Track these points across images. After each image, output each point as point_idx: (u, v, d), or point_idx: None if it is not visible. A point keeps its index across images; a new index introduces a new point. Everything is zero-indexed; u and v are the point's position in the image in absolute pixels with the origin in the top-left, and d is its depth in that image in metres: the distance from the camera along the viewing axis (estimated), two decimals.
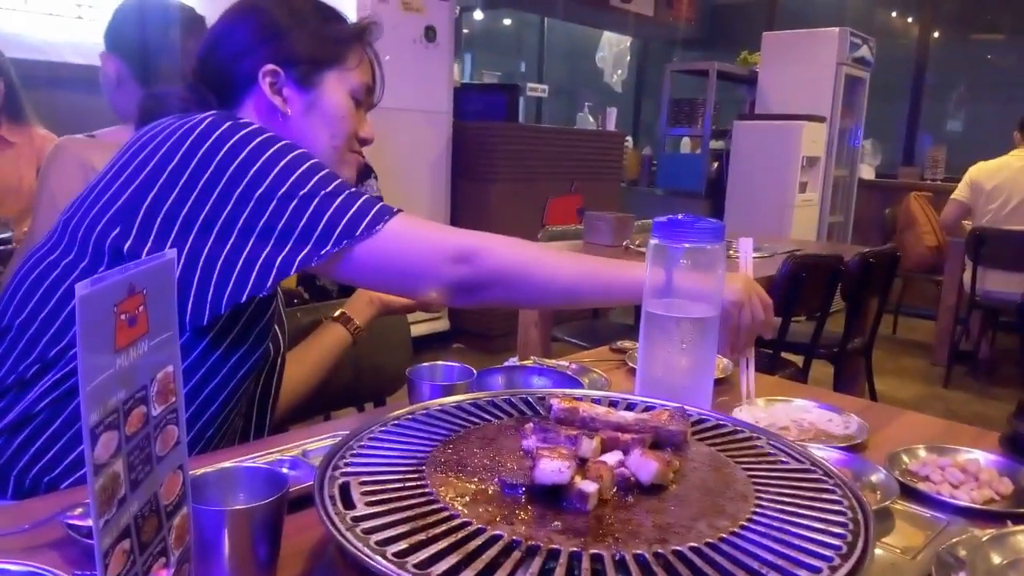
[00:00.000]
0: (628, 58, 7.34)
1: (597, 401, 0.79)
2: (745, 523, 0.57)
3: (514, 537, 0.53)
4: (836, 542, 0.55)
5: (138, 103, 1.09)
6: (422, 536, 0.53)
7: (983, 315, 4.33)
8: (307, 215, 0.88)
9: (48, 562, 0.60)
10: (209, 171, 0.87)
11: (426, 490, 0.60)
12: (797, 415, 1.05)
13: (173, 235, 0.87)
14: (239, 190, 0.87)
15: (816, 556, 0.53)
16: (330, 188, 0.90)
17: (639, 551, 0.52)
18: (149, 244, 0.87)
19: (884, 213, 5.30)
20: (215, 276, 0.87)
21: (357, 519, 0.55)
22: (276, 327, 1.16)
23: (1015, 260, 3.92)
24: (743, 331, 1.03)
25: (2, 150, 2.30)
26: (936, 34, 6.59)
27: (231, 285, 0.88)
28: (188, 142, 0.89)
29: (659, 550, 0.52)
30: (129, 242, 0.87)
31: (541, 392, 0.85)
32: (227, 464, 0.68)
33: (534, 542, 0.53)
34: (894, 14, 7.31)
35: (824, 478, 0.65)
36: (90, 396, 0.41)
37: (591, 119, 5.89)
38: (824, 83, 5.33)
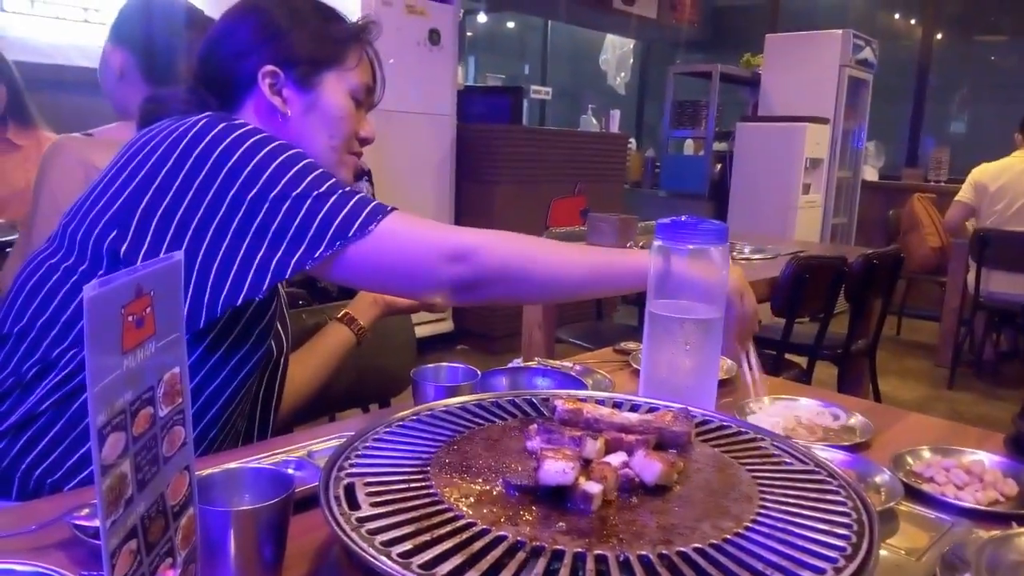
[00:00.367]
0: (631, 60, 7.35)
1: (601, 402, 0.80)
2: (749, 524, 0.57)
3: (518, 538, 0.53)
4: (840, 543, 0.55)
5: (139, 104, 1.09)
6: (427, 537, 0.53)
7: (987, 316, 4.32)
8: (300, 217, 0.88)
9: (55, 563, 0.61)
10: (203, 173, 0.87)
11: (431, 491, 0.60)
12: (802, 415, 1.05)
13: (169, 238, 0.87)
14: (232, 192, 0.87)
15: (820, 557, 0.53)
16: (323, 188, 0.90)
17: (643, 552, 0.52)
18: (145, 247, 0.87)
19: (888, 215, 5.30)
20: (211, 279, 0.87)
21: (362, 520, 0.55)
22: (279, 327, 1.16)
23: (1019, 261, 3.91)
24: (746, 319, 1.03)
25: (9, 153, 2.31)
26: (939, 36, 6.58)
27: (227, 288, 0.88)
28: (182, 144, 0.89)
29: (663, 551, 0.52)
30: (126, 245, 0.88)
31: (545, 393, 0.85)
32: (233, 465, 0.68)
33: (538, 543, 0.53)
34: (897, 16, 7.30)
35: (828, 479, 0.66)
36: (98, 397, 0.41)
37: (594, 121, 5.90)
38: (827, 85, 5.33)
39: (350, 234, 0.89)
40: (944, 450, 0.93)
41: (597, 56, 7.28)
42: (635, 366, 1.27)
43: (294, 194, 0.88)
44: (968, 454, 0.92)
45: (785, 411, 1.06)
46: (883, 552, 0.69)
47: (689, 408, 0.77)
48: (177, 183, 0.87)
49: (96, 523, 0.63)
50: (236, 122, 0.92)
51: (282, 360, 1.19)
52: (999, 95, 6.65)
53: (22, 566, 0.59)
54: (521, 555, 0.52)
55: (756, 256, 2.76)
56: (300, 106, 1.02)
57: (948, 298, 4.49)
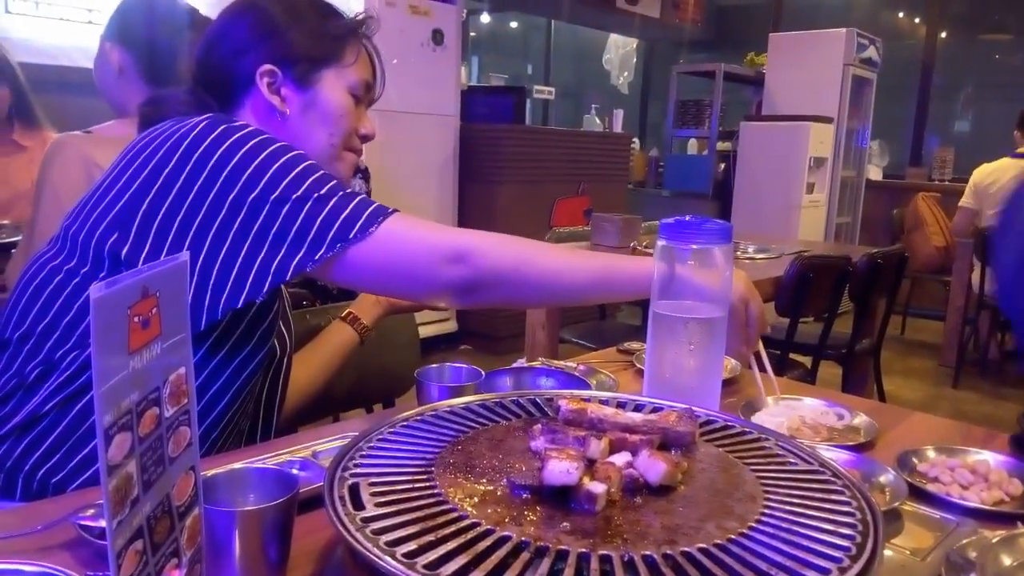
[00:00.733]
0: (634, 60, 7.34)
1: (605, 402, 0.80)
2: (754, 524, 0.57)
3: (523, 538, 0.53)
4: (845, 543, 0.55)
5: (138, 105, 1.09)
6: (431, 537, 0.53)
7: (992, 315, 4.31)
8: (300, 219, 0.88)
9: (61, 563, 0.61)
10: (203, 176, 0.87)
11: (435, 491, 0.60)
12: (806, 415, 1.05)
13: (169, 240, 0.87)
14: (233, 194, 0.87)
15: (825, 557, 0.53)
16: (324, 191, 0.90)
17: (648, 552, 0.52)
18: (147, 249, 0.87)
19: (892, 214, 5.29)
20: (211, 282, 0.87)
21: (367, 520, 0.55)
22: (282, 327, 1.16)
23: None
24: (752, 325, 1.03)
25: (15, 154, 2.31)
26: (943, 34, 6.57)
27: (227, 291, 0.88)
28: (183, 146, 0.89)
29: (668, 551, 0.52)
30: (127, 247, 0.88)
31: (549, 393, 0.85)
32: (238, 465, 0.69)
33: (543, 543, 0.53)
34: (901, 14, 7.29)
35: (833, 479, 0.65)
36: (104, 397, 0.41)
37: (598, 121, 5.89)
38: (831, 84, 5.32)
39: (351, 236, 0.88)
40: (949, 450, 0.93)
41: (600, 56, 7.27)
42: (639, 366, 1.27)
43: (294, 196, 0.88)
44: (973, 454, 0.92)
45: (789, 411, 1.06)
46: (888, 552, 0.69)
47: (693, 408, 0.77)
48: (178, 185, 0.87)
49: (102, 523, 0.64)
50: (237, 124, 0.92)
51: (285, 360, 1.19)
52: (1004, 94, 6.63)
53: (28, 566, 0.59)
54: (525, 555, 0.52)
55: (760, 256, 2.76)
56: (299, 105, 1.02)
57: (952, 297, 4.48)
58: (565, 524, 0.56)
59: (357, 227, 0.89)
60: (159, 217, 0.87)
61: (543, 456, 0.61)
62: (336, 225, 0.88)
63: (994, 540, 0.67)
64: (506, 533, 0.54)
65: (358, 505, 0.58)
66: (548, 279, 0.98)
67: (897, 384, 4.04)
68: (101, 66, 1.61)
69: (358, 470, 0.63)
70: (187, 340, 0.50)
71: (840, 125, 5.37)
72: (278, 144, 0.91)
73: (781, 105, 5.54)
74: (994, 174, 4.09)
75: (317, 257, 0.88)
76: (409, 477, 0.62)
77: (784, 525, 0.57)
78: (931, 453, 0.92)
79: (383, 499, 0.58)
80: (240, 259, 0.87)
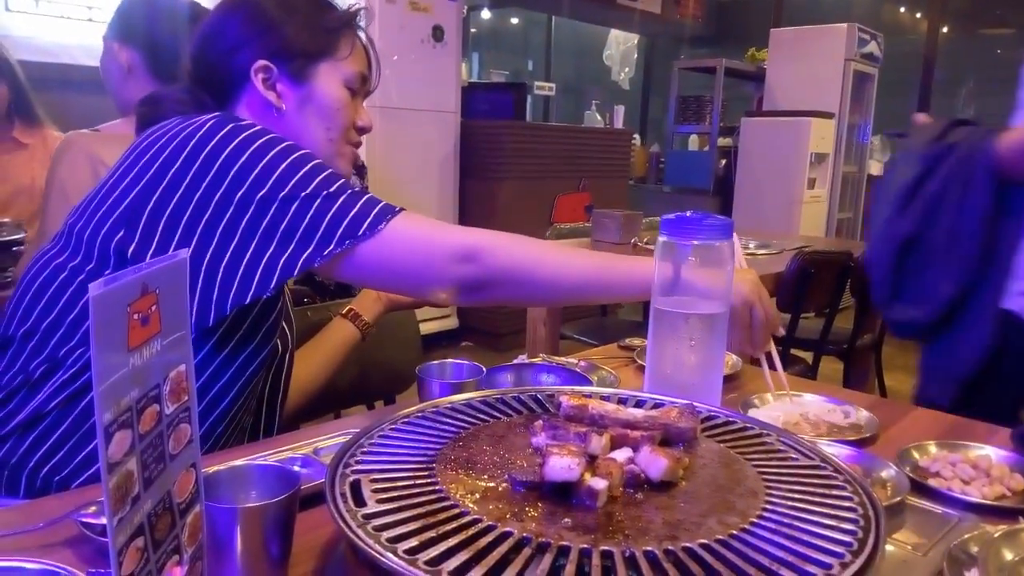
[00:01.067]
0: (635, 56, 7.33)
1: (606, 398, 0.79)
2: (755, 519, 0.57)
3: (524, 534, 0.53)
4: (847, 538, 0.55)
5: (134, 105, 1.09)
6: (433, 533, 0.53)
7: None
8: (309, 216, 0.89)
9: (62, 560, 0.61)
10: (211, 174, 0.88)
11: (436, 487, 0.60)
12: (808, 410, 1.05)
13: (177, 238, 0.87)
14: (241, 193, 0.87)
15: (827, 552, 0.53)
16: (333, 188, 0.91)
17: (649, 548, 0.52)
18: (153, 247, 0.88)
19: None
20: (219, 278, 0.88)
21: (368, 516, 0.55)
22: (284, 325, 1.16)
23: None
24: (758, 329, 1.03)
25: (15, 151, 2.32)
26: (944, 29, 6.55)
27: (235, 287, 0.88)
28: (191, 145, 0.89)
29: (669, 547, 0.52)
30: (133, 245, 0.88)
31: (550, 389, 0.85)
32: (239, 462, 0.69)
33: (544, 539, 0.53)
34: (902, 9, 7.27)
35: (834, 474, 0.65)
36: (104, 395, 0.41)
37: (599, 117, 5.89)
38: (832, 79, 5.31)
39: (360, 233, 0.89)
40: (950, 445, 0.93)
41: (601, 52, 7.26)
42: (640, 362, 1.27)
43: (303, 194, 0.89)
44: (975, 449, 0.92)
45: (791, 406, 1.06)
46: (889, 547, 0.69)
47: (695, 404, 0.77)
48: (185, 183, 0.88)
49: (103, 520, 0.64)
50: (245, 123, 0.92)
51: (287, 357, 1.19)
52: (1005, 89, 6.59)
53: (30, 564, 0.60)
54: (527, 551, 0.52)
55: (761, 251, 2.76)
56: (295, 100, 1.02)
57: None
58: (566, 520, 0.56)
59: (366, 224, 0.90)
60: (166, 215, 0.88)
61: (544, 452, 0.61)
62: (345, 222, 0.89)
63: (996, 535, 0.67)
64: (508, 529, 0.54)
65: (360, 501, 0.58)
66: (555, 279, 0.99)
67: (898, 379, 4.04)
68: (109, 66, 1.60)
69: (359, 467, 0.63)
70: (187, 337, 0.50)
71: (841, 120, 5.37)
72: (286, 143, 0.92)
73: (782, 101, 5.53)
74: None
75: (326, 253, 0.88)
76: (410, 473, 0.62)
77: (786, 520, 0.57)
78: (932, 448, 0.92)
79: (385, 495, 0.58)
80: (248, 256, 0.88)
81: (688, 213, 0.92)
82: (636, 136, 6.49)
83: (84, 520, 0.67)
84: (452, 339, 4.49)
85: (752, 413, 1.03)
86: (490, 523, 0.54)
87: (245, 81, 1.01)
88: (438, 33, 4.14)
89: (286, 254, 0.88)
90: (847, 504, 0.60)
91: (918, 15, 6.94)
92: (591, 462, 0.62)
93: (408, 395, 1.64)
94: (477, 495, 0.59)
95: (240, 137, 0.89)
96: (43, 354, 0.91)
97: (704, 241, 0.90)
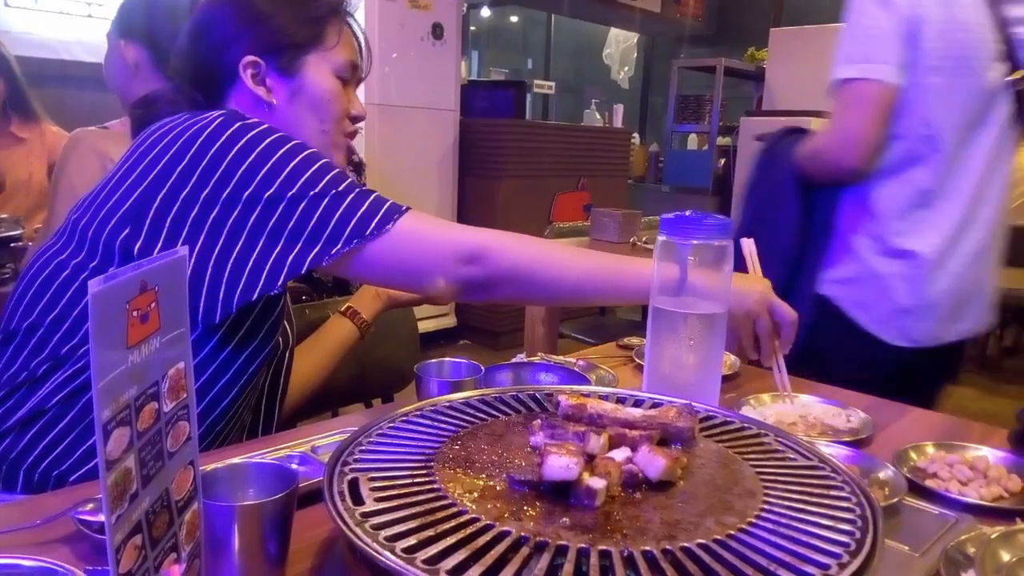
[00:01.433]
0: (635, 55, 7.33)
1: (605, 397, 0.80)
2: (753, 519, 0.57)
3: (522, 533, 0.53)
4: (845, 539, 0.55)
5: (128, 107, 1.09)
6: (431, 532, 0.53)
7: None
8: (317, 215, 0.89)
9: (59, 557, 0.61)
10: (219, 173, 0.88)
11: (435, 486, 0.60)
12: (803, 411, 1.05)
13: (183, 236, 0.87)
14: (249, 191, 0.88)
15: (825, 553, 0.53)
16: (341, 188, 0.91)
17: (647, 547, 0.52)
18: (160, 245, 0.88)
19: None
20: (226, 275, 0.88)
21: (366, 515, 0.55)
22: (285, 322, 1.16)
23: (1022, 256, 3.89)
24: (764, 339, 1.03)
25: (13, 146, 2.32)
26: None
27: (242, 284, 0.88)
28: (198, 142, 0.89)
29: (667, 546, 0.52)
30: (139, 243, 0.88)
31: (549, 388, 0.85)
32: (237, 460, 0.68)
33: (542, 538, 0.53)
34: None
35: (832, 475, 0.65)
36: (102, 392, 0.41)
37: (598, 116, 5.89)
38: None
39: (368, 232, 0.90)
40: (948, 446, 0.93)
41: (600, 50, 7.26)
42: (638, 361, 1.27)
43: (311, 193, 0.89)
44: (972, 450, 0.92)
45: (788, 406, 1.06)
46: (887, 547, 0.69)
47: (693, 403, 0.77)
48: (192, 181, 0.88)
49: (101, 518, 0.64)
50: (251, 121, 0.92)
51: (288, 354, 1.19)
52: None
53: (27, 561, 0.59)
54: (525, 550, 0.52)
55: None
56: (285, 93, 1.02)
57: None
58: (564, 519, 0.56)
59: (374, 224, 0.90)
60: (172, 212, 0.88)
61: (543, 451, 0.61)
62: (353, 221, 0.90)
63: (993, 536, 0.67)
64: (506, 528, 0.54)
65: (357, 500, 0.58)
66: (559, 280, 1.00)
67: None
68: (115, 64, 1.60)
69: (357, 465, 0.63)
70: (186, 335, 0.50)
71: None
72: (293, 142, 0.92)
73: (782, 100, 5.53)
74: None
75: (334, 252, 0.89)
76: (408, 472, 0.62)
77: (784, 521, 0.57)
78: (930, 449, 0.93)
79: (382, 494, 0.58)
80: (256, 254, 0.88)
81: (687, 212, 0.92)
82: (635, 135, 6.49)
83: (82, 517, 0.67)
84: (450, 338, 4.49)
85: (750, 413, 1.03)
86: (488, 522, 0.54)
87: (234, 77, 1.01)
88: (438, 31, 4.14)
89: (294, 252, 0.88)
90: (845, 505, 0.60)
91: None
92: (589, 461, 0.62)
93: (406, 393, 1.65)
94: (475, 494, 0.59)
95: (248, 136, 0.89)
96: (46, 351, 0.91)
97: (703, 241, 0.90)
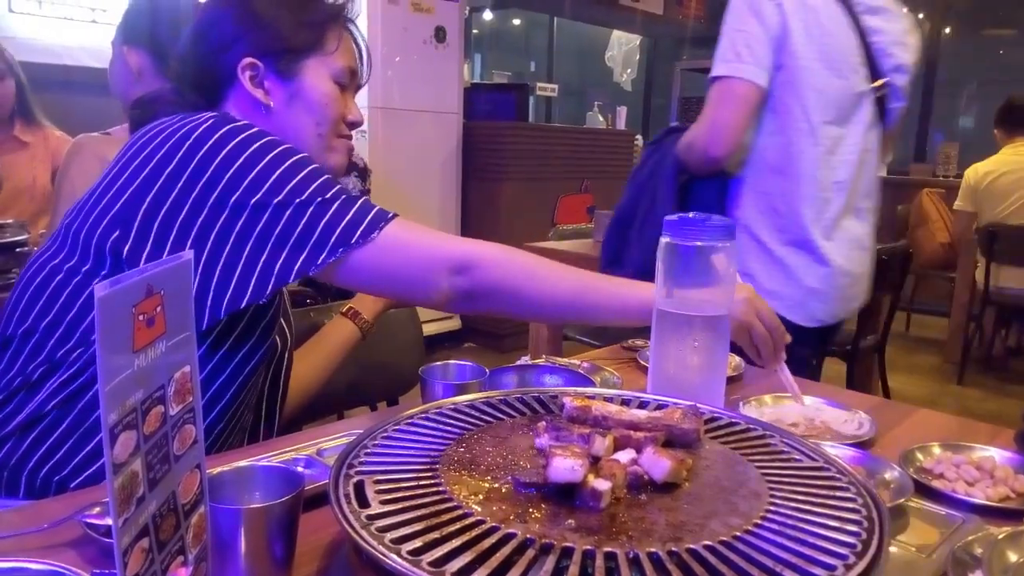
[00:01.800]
0: (638, 57, 7.32)
1: (609, 399, 0.80)
2: (759, 521, 0.57)
3: (528, 535, 0.53)
4: (851, 540, 0.55)
5: (126, 108, 1.09)
6: (436, 534, 0.53)
7: (997, 311, 4.29)
8: (303, 223, 0.88)
9: (67, 561, 0.61)
10: (206, 176, 0.87)
11: (440, 488, 0.60)
12: (805, 412, 1.05)
13: (171, 239, 0.87)
14: (236, 197, 0.87)
15: (831, 554, 0.53)
16: (328, 195, 0.90)
17: (653, 549, 0.52)
18: (148, 248, 0.87)
19: (896, 210, 5.27)
20: (214, 282, 0.88)
21: (372, 517, 0.55)
22: (283, 322, 1.16)
23: None
24: (762, 346, 1.03)
25: (17, 150, 2.33)
26: (947, 30, 6.54)
27: (230, 292, 0.88)
28: (186, 145, 0.88)
29: (673, 548, 0.52)
30: (128, 245, 0.88)
31: (553, 391, 0.85)
32: (243, 463, 0.69)
33: (547, 540, 0.53)
34: (904, 10, 7.25)
35: (838, 476, 0.65)
36: (109, 396, 0.41)
37: (601, 118, 5.88)
38: None
39: (353, 240, 0.89)
40: (954, 446, 0.93)
41: (603, 52, 7.26)
42: (643, 363, 1.27)
43: (297, 201, 0.88)
44: (978, 450, 0.92)
45: (794, 408, 1.06)
46: (893, 549, 0.69)
47: (698, 405, 0.77)
48: (180, 185, 0.87)
49: (108, 521, 0.64)
50: (241, 124, 0.92)
51: (286, 354, 1.19)
52: (1008, 89, 6.58)
53: (35, 564, 0.60)
54: (530, 552, 0.52)
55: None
56: (283, 96, 1.02)
57: (957, 293, 4.47)
58: (570, 521, 0.56)
59: (360, 232, 0.90)
60: (160, 216, 0.87)
61: (548, 453, 0.61)
62: (339, 230, 0.89)
63: (1000, 536, 0.66)
64: (511, 530, 0.54)
65: (363, 502, 0.58)
66: (544, 297, 0.99)
67: (902, 381, 4.04)
68: (119, 69, 1.61)
69: (363, 468, 0.63)
70: (192, 338, 0.50)
71: None
72: (283, 146, 0.92)
73: None
74: (991, 170, 4.06)
75: (320, 261, 0.88)
76: (414, 474, 0.62)
77: (789, 522, 0.57)
78: (936, 449, 0.92)
79: (388, 496, 0.58)
80: (243, 261, 0.88)
81: (691, 214, 0.92)
82: (638, 137, 6.48)
83: (89, 521, 0.67)
84: (455, 340, 4.49)
85: (754, 415, 1.02)
86: (494, 524, 0.55)
87: (233, 79, 1.01)
88: (440, 34, 4.14)
89: (280, 261, 0.88)
90: (851, 506, 0.60)
91: (920, 16, 6.93)
92: (594, 463, 0.62)
93: (411, 396, 1.65)
94: (480, 496, 0.59)
95: (237, 139, 0.89)
96: (41, 355, 0.91)
97: (707, 242, 0.90)
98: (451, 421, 0.74)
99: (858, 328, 2.72)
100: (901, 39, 1.66)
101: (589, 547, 0.52)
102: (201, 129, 0.90)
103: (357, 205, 0.92)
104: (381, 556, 0.50)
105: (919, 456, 0.90)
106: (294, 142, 0.99)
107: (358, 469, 0.63)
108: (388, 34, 3.85)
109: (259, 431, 1.17)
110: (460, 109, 4.37)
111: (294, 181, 0.89)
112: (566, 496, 0.59)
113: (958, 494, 0.81)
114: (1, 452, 0.92)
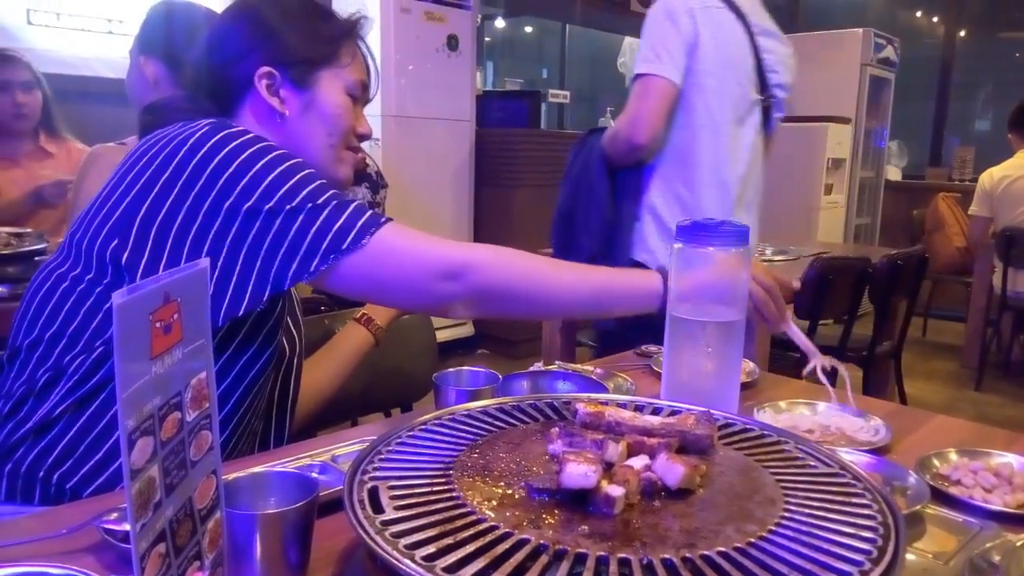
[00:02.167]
0: None
1: (623, 405, 0.79)
2: (774, 527, 0.57)
3: (541, 541, 0.53)
4: (866, 547, 0.54)
5: (138, 113, 1.10)
6: (450, 540, 0.53)
7: (1014, 317, 4.25)
8: (294, 230, 0.88)
9: (85, 566, 0.62)
10: (200, 183, 0.88)
11: (454, 494, 0.60)
12: (820, 419, 1.04)
13: (168, 248, 0.87)
14: (229, 203, 0.87)
15: (846, 561, 0.53)
16: (320, 200, 0.90)
17: (667, 556, 0.52)
18: (146, 256, 0.88)
19: (912, 214, 5.24)
20: (211, 289, 0.88)
21: (386, 523, 0.55)
22: (292, 326, 1.16)
23: None
24: (763, 306, 1.02)
25: (43, 160, 2.37)
26: (962, 33, 6.50)
27: (227, 300, 0.88)
28: (182, 152, 0.89)
29: (687, 555, 0.52)
30: (127, 254, 0.88)
31: (566, 397, 0.85)
32: (258, 469, 0.69)
33: (561, 546, 0.53)
34: (919, 13, 7.23)
35: (853, 482, 0.65)
36: (127, 402, 0.42)
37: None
38: (848, 84, 5.28)
39: (344, 247, 0.88)
40: (971, 452, 0.92)
41: (615, 59, 7.26)
42: (656, 369, 1.27)
43: (288, 207, 0.88)
44: (996, 456, 0.91)
45: (809, 414, 1.06)
46: (910, 556, 0.69)
47: (712, 411, 0.77)
48: (176, 191, 0.88)
49: (125, 527, 0.64)
50: (236, 130, 0.92)
51: (296, 359, 1.19)
52: None
53: (54, 569, 0.60)
54: (544, 558, 0.52)
55: (779, 257, 2.74)
56: (298, 105, 1.03)
57: (974, 298, 4.42)
58: (583, 527, 0.56)
59: (350, 238, 0.89)
60: (157, 223, 0.88)
61: (561, 459, 0.61)
62: (330, 236, 0.89)
63: (1018, 544, 0.66)
64: (525, 536, 0.54)
65: (377, 508, 0.58)
66: (544, 297, 0.98)
67: (918, 387, 4.00)
68: (135, 80, 1.63)
69: (377, 473, 0.63)
70: (208, 345, 0.51)
71: (858, 126, 5.33)
72: (276, 152, 0.91)
73: (798, 106, 5.48)
74: (1006, 174, 4.03)
75: (312, 268, 0.88)
76: (428, 480, 0.63)
77: (804, 529, 0.57)
78: (953, 456, 0.91)
79: (402, 502, 0.59)
80: (238, 268, 0.88)
81: (704, 220, 0.92)
82: None
83: (106, 526, 0.67)
84: (468, 347, 4.50)
85: (769, 421, 1.02)
86: (507, 530, 0.55)
87: (249, 87, 1.02)
88: (453, 42, 4.16)
89: (274, 268, 0.88)
90: (866, 512, 0.59)
91: (935, 19, 6.89)
92: (608, 469, 0.62)
93: (424, 402, 1.65)
94: (494, 502, 0.59)
95: (230, 146, 0.89)
96: (48, 362, 0.92)
97: (720, 248, 0.90)
98: (464, 427, 0.74)
99: (874, 334, 2.70)
100: (785, 61, 1.91)
101: (603, 553, 0.52)
102: (196, 136, 0.90)
103: (348, 211, 0.91)
104: (395, 561, 0.51)
105: (936, 462, 0.90)
106: (305, 151, 0.99)
107: (372, 475, 0.63)
108: (401, 42, 3.87)
109: (270, 436, 1.17)
110: (473, 117, 4.38)
111: (285, 187, 0.89)
112: (579, 502, 0.59)
113: (975, 501, 0.80)
114: (14, 457, 0.93)
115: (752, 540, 0.55)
